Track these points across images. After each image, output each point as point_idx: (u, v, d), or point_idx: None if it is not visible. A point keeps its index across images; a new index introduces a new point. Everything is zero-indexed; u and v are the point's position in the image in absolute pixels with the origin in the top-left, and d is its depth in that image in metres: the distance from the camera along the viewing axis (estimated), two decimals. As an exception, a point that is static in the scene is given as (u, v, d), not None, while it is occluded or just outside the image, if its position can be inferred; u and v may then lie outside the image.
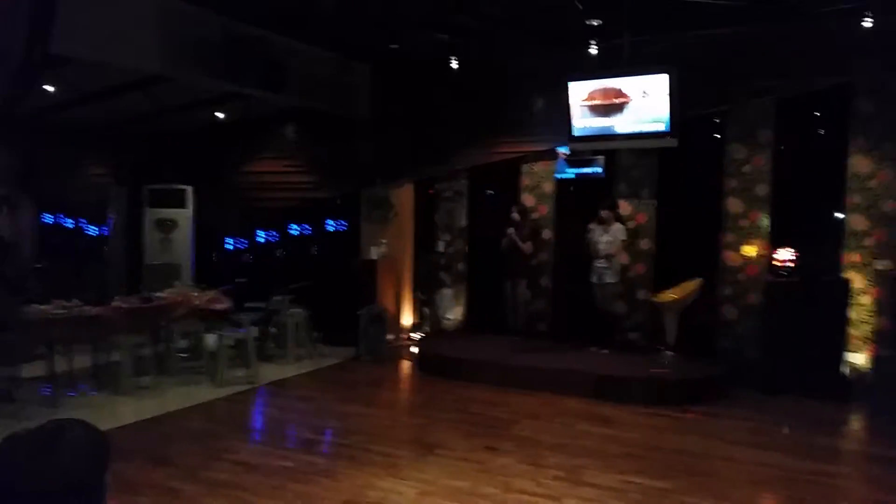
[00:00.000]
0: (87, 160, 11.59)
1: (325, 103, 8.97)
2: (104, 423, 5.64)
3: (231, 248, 10.86)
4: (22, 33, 4.83)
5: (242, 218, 10.76)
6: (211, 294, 7.99)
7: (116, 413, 6.08)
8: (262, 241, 10.71)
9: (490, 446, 5.40)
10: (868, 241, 7.23)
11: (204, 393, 6.83)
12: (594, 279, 7.95)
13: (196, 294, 7.92)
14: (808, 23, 6.99)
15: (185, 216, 10.58)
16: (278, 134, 10.51)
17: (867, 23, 6.56)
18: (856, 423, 6.39)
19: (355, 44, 8.68)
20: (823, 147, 7.73)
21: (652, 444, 5.60)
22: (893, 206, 7.12)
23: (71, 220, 11.73)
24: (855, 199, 7.31)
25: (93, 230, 11.69)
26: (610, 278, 7.89)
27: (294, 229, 10.49)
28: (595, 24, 7.28)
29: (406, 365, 8.60)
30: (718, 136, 8.05)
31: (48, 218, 11.57)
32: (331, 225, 10.25)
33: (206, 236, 10.78)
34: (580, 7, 6.92)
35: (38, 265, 9.95)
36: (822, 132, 7.81)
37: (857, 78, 7.24)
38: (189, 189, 10.58)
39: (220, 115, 10.07)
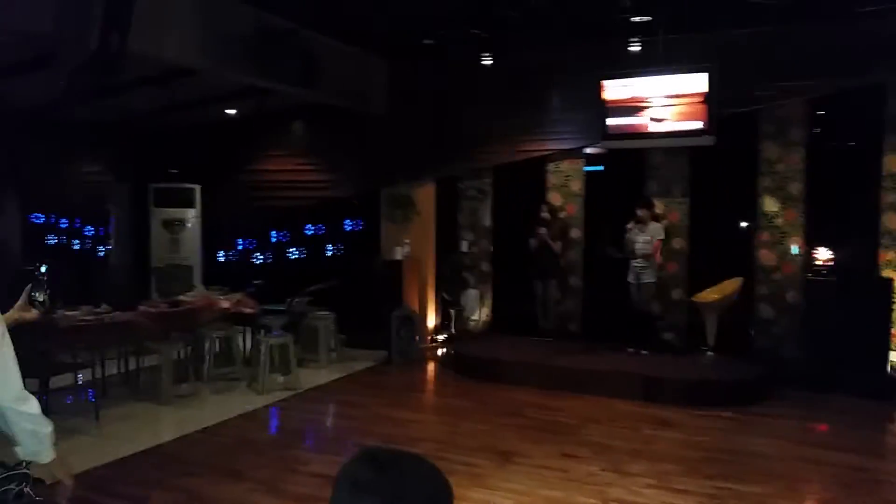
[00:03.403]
0: (83, 157, 11.02)
1: (349, 99, 8.72)
2: (156, 436, 5.42)
3: (242, 248, 10.49)
4: (96, 19, 4.47)
5: (254, 217, 10.41)
6: (237, 297, 7.70)
7: (165, 423, 5.78)
8: (275, 241, 10.36)
9: (567, 453, 5.27)
10: (905, 240, 7.31)
11: (247, 400, 6.54)
12: (632, 279, 7.87)
13: (222, 297, 7.62)
14: (840, 23, 7.02)
15: (192, 216, 10.18)
16: (289, 131, 10.21)
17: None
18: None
19: (380, 39, 8.44)
20: (857, 146, 7.79)
21: (723, 446, 5.53)
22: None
23: (66, 220, 11.14)
24: (890, 197, 7.38)
25: (89, 230, 11.14)
26: (648, 278, 7.81)
27: (309, 229, 10.17)
28: (640, 20, 7.19)
29: (437, 367, 8.40)
30: (750, 135, 8.03)
31: (39, 218, 10.95)
32: (349, 224, 9.95)
33: (214, 237, 10.40)
34: (627, 2, 6.83)
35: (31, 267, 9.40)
36: (856, 131, 7.85)
37: (888, 78, 7.31)
38: (196, 188, 10.19)
39: (231, 112, 9.70)
